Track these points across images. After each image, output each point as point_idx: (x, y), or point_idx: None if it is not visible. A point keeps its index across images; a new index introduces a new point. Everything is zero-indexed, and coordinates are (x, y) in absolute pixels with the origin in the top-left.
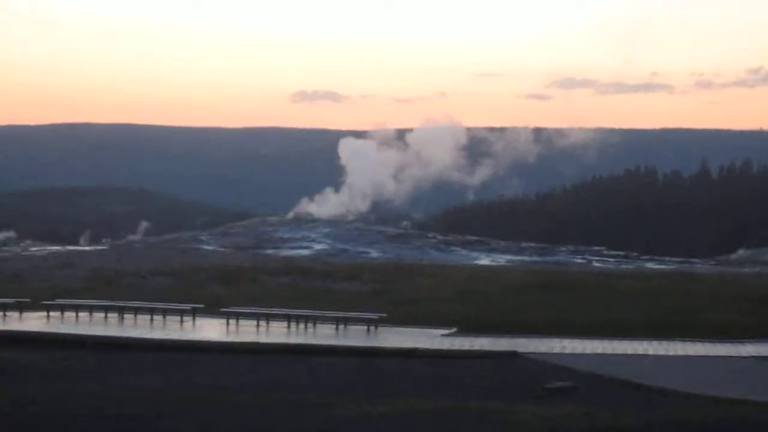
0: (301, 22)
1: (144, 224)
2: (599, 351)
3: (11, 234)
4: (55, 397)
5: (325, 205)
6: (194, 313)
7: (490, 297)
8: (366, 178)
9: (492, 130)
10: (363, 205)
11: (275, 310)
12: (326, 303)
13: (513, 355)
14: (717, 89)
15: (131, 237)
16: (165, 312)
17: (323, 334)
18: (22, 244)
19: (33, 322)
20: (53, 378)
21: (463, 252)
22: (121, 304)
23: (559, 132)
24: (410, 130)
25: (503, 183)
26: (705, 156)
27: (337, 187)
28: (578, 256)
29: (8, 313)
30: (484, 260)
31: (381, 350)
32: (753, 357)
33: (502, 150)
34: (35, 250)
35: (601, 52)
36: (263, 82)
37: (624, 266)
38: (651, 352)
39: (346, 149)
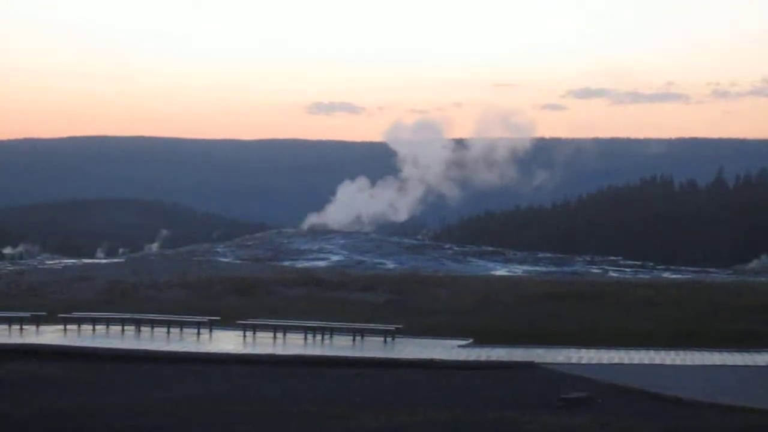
0: (317, 34)
1: (164, 232)
2: (616, 361)
3: (29, 247)
4: (71, 410)
5: (372, 204)
6: (211, 325)
7: (506, 307)
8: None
9: (508, 140)
10: (413, 208)
11: (292, 322)
12: (343, 314)
13: (530, 365)
14: (733, 99)
15: (148, 249)
16: (182, 324)
17: (340, 346)
18: (38, 257)
19: (50, 335)
20: (70, 391)
21: (480, 262)
22: (137, 316)
23: (574, 142)
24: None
25: (520, 193)
26: (721, 165)
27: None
28: (594, 266)
29: (25, 327)
30: (501, 271)
31: (398, 361)
32: None
33: (522, 159)
34: (52, 263)
35: (616, 62)
36: (280, 93)
37: (640, 276)
38: (668, 361)
39: (399, 140)
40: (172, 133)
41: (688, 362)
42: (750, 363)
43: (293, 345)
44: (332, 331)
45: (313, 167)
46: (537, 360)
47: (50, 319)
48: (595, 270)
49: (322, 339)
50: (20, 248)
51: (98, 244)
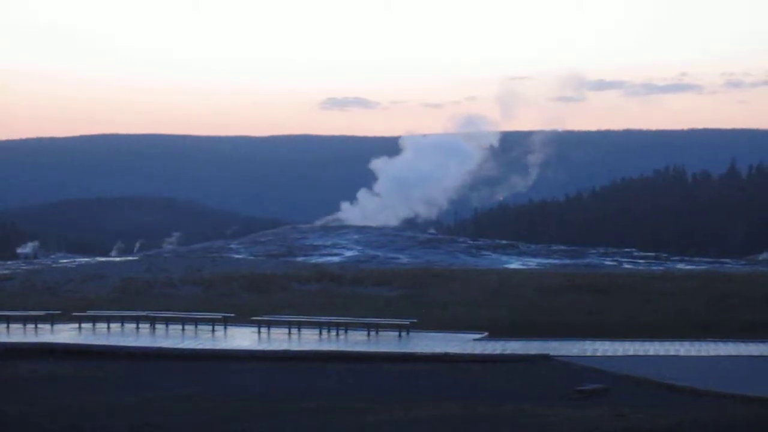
0: (329, 30)
1: (179, 228)
2: (631, 353)
3: (43, 246)
4: (86, 409)
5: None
6: (225, 322)
7: (521, 300)
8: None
9: (523, 133)
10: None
11: (307, 318)
12: (357, 309)
13: (545, 358)
14: (747, 89)
15: (164, 246)
16: (196, 321)
17: (355, 341)
18: (53, 256)
19: (65, 333)
20: (85, 390)
21: (494, 256)
22: (152, 314)
23: (589, 134)
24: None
25: (535, 186)
26: (734, 155)
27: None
28: (608, 258)
29: (40, 325)
30: (515, 264)
31: (413, 356)
32: None
33: (533, 153)
34: (66, 262)
35: (630, 53)
36: (293, 89)
37: (654, 267)
38: (683, 352)
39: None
40: (185, 131)
41: (703, 353)
42: (765, 353)
43: (308, 341)
44: (347, 326)
45: (326, 163)
46: (552, 353)
47: (65, 318)
48: (608, 262)
49: (337, 334)
50: (34, 247)
51: (112, 242)
